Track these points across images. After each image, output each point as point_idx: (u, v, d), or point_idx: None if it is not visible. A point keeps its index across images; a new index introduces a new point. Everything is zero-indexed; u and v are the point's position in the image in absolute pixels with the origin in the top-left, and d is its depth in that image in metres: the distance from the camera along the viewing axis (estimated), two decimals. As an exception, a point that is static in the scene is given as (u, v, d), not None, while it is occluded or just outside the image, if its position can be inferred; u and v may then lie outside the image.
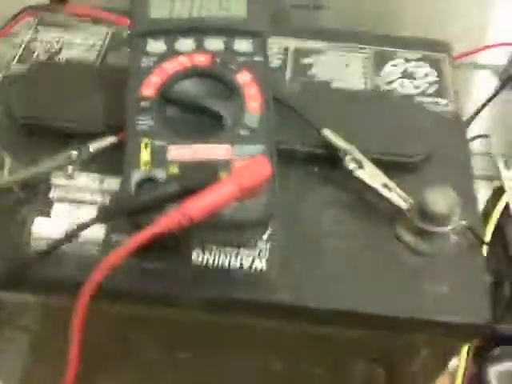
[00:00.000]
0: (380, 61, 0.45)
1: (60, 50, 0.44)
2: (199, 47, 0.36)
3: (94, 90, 0.39)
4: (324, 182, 0.37)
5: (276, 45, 0.45)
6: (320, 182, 0.37)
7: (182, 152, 0.33)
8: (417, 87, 0.43)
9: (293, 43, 0.46)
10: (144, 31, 0.36)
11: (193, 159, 0.33)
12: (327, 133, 0.37)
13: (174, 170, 0.32)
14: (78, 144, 0.37)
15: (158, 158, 0.33)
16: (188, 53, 0.36)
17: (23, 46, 0.44)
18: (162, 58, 0.35)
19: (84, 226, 0.31)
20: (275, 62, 0.44)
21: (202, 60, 0.35)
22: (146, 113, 0.34)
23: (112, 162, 0.36)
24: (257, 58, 0.36)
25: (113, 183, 0.36)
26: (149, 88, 0.34)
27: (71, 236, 0.32)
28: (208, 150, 0.33)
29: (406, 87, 0.43)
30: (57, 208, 0.36)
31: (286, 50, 0.45)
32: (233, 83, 0.35)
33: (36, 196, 0.36)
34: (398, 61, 0.45)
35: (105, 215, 0.31)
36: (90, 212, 0.35)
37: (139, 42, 0.36)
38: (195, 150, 0.33)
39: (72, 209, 0.36)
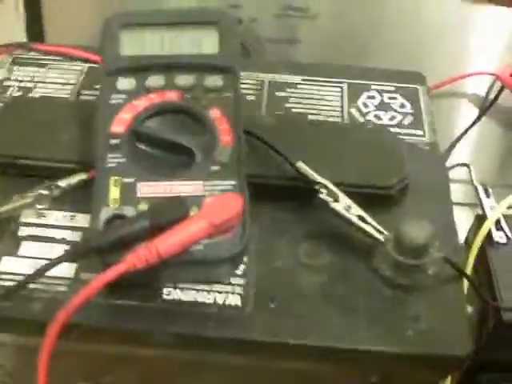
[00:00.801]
0: (355, 93, 0.45)
1: (34, 87, 0.44)
2: (170, 84, 0.36)
3: (67, 126, 0.39)
4: (299, 216, 0.37)
5: (251, 79, 0.45)
6: (295, 216, 0.37)
7: (151, 189, 0.32)
8: (392, 118, 0.43)
9: (268, 77, 0.46)
10: (114, 69, 0.36)
11: (163, 196, 0.32)
12: (301, 166, 0.37)
13: (144, 206, 0.32)
14: (49, 181, 0.36)
15: (128, 195, 0.32)
16: (158, 89, 0.35)
17: (-3, 84, 0.44)
18: (133, 94, 0.35)
19: (51, 265, 0.30)
20: (250, 96, 0.44)
21: (172, 96, 0.35)
22: (116, 150, 0.33)
23: (83, 199, 0.35)
24: (227, 94, 0.36)
25: (84, 220, 0.36)
26: (119, 125, 0.34)
27: (38, 274, 0.31)
28: (179, 186, 0.32)
29: (382, 119, 0.43)
30: (25, 246, 0.35)
31: (261, 83, 0.45)
32: (203, 118, 0.34)
33: (4, 234, 0.35)
34: (372, 93, 0.45)
35: (72, 254, 0.30)
36: (60, 250, 0.34)
37: (109, 80, 0.36)
38: (165, 186, 0.32)
39: (41, 247, 0.35)
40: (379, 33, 0.56)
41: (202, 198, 0.32)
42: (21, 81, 0.45)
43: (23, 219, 0.36)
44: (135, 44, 0.36)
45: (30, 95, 0.43)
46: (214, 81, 0.36)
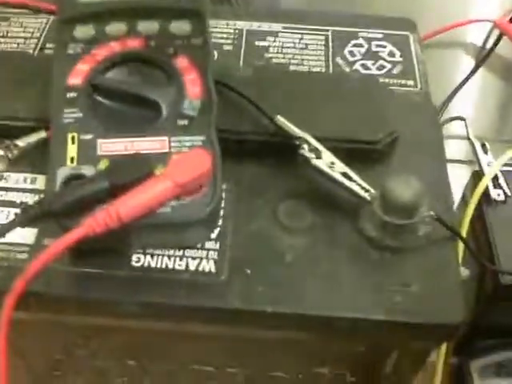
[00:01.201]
0: (340, 41, 0.42)
1: (-6, 43, 0.41)
2: (132, 30, 0.32)
3: (27, 82, 0.36)
4: (278, 174, 0.34)
5: (228, 27, 0.42)
6: (274, 174, 0.34)
7: (112, 146, 0.29)
8: (380, 68, 0.40)
9: (246, 25, 0.42)
10: (71, 16, 0.33)
11: (125, 153, 0.29)
12: (281, 120, 0.34)
13: (104, 165, 0.29)
14: (6, 141, 0.34)
15: (86, 153, 0.29)
16: (119, 37, 0.32)
17: (-45, 39, 0.41)
18: (91, 43, 0.32)
19: (3, 231, 0.28)
20: (227, 46, 0.41)
21: (134, 44, 0.32)
22: (73, 104, 0.30)
23: (44, 159, 0.32)
24: (196, 40, 0.32)
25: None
26: (76, 77, 0.31)
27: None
28: (142, 143, 0.30)
29: (370, 68, 0.40)
30: (-17, 211, 0.32)
31: (239, 32, 0.42)
32: (169, 68, 0.31)
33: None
34: (359, 41, 0.42)
35: (25, 218, 0.27)
36: (21, 215, 0.32)
37: (66, 28, 0.32)
38: (127, 143, 0.29)
39: (1, 211, 0.32)
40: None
41: (168, 155, 0.29)
42: (-20, 36, 0.41)
43: (-21, 182, 0.33)
44: (94, -12, 0.33)
45: (-10, 51, 0.40)
46: (181, 26, 0.33)
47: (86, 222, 0.26)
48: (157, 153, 0.29)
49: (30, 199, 0.33)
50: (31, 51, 0.40)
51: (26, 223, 0.27)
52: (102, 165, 0.29)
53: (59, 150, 0.29)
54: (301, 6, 0.52)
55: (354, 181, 0.32)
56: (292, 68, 0.40)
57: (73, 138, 0.30)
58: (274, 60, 0.40)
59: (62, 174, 0.29)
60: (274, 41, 0.41)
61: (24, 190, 0.33)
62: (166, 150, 0.29)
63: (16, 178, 0.33)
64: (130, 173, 0.28)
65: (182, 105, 0.30)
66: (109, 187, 0.27)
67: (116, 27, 0.32)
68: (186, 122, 0.30)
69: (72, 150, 0.29)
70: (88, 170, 0.29)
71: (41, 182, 0.33)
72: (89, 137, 0.30)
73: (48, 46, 0.40)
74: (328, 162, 0.32)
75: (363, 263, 0.31)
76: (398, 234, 0.31)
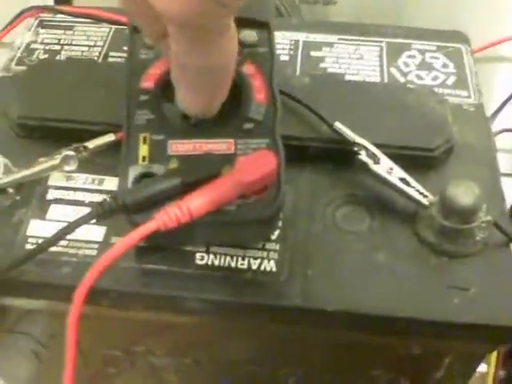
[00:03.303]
0: (394, 52, 0.42)
1: (61, 50, 0.43)
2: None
3: (93, 87, 0.37)
4: (337, 178, 0.34)
5: (284, 38, 0.43)
6: (333, 179, 0.34)
7: (182, 146, 0.31)
8: (435, 78, 0.41)
9: (302, 36, 0.43)
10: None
11: (193, 153, 0.30)
12: (339, 126, 0.35)
13: (174, 164, 0.30)
14: (76, 143, 0.35)
15: (157, 152, 0.31)
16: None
17: (23, 47, 0.43)
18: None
19: (76, 225, 0.29)
20: (284, 56, 0.42)
21: (203, 50, 0.33)
22: (145, 106, 0.32)
23: (112, 161, 0.34)
24: (262, 49, 0.34)
25: (113, 184, 0.34)
26: (148, 80, 0.33)
27: (63, 234, 0.29)
28: (210, 144, 0.31)
29: (424, 78, 0.41)
30: (53, 210, 0.34)
31: (296, 43, 0.43)
32: (237, 74, 0.32)
33: (32, 198, 0.34)
34: (413, 52, 0.43)
35: (99, 213, 0.28)
36: (89, 214, 0.33)
37: (138, 36, 0.34)
38: (196, 144, 0.31)
39: (70, 210, 0.34)
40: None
41: (235, 157, 0.30)
42: (47, 44, 0.43)
43: (51, 182, 0.35)
44: (164, -3, 0.35)
45: (57, 58, 0.42)
46: (249, 35, 0.34)
47: (158, 216, 0.28)
48: (223, 154, 0.30)
49: (97, 199, 0.34)
50: (95, 59, 0.42)
51: (102, 216, 0.29)
52: (172, 164, 0.30)
53: (131, 149, 0.31)
54: (349, 20, 0.53)
55: (412, 186, 0.33)
56: (347, 77, 0.41)
57: (144, 138, 0.31)
58: (330, 70, 0.41)
59: (134, 171, 0.30)
60: (330, 51, 0.42)
61: (91, 191, 0.34)
62: (232, 152, 0.31)
63: (84, 179, 0.35)
64: (200, 172, 0.29)
65: (248, 109, 0.32)
66: (179, 185, 0.29)
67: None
68: (251, 125, 0.31)
69: (144, 150, 0.31)
70: (158, 169, 0.30)
71: (107, 183, 0.35)
72: (160, 137, 0.31)
73: (111, 54, 0.42)
74: (386, 168, 0.33)
75: (422, 267, 0.31)
76: (456, 239, 0.32)
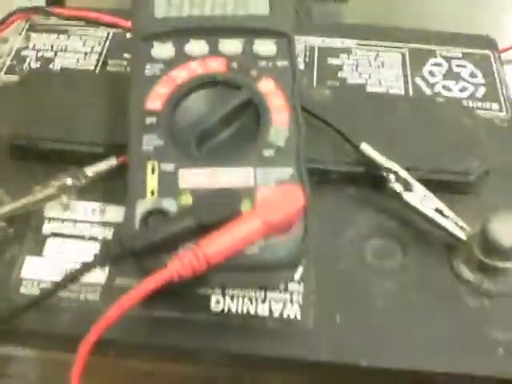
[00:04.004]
0: (418, 60, 0.39)
1: (54, 57, 0.39)
2: (213, 50, 0.30)
3: (92, 102, 0.34)
4: (364, 207, 0.31)
5: (299, 44, 0.40)
6: (360, 207, 0.31)
7: (195, 177, 0.27)
8: (463, 90, 0.38)
9: (317, 41, 0.40)
10: (148, 33, 0.30)
11: (208, 186, 0.27)
12: (366, 148, 0.31)
13: (187, 199, 0.27)
14: (75, 168, 0.32)
15: (168, 184, 0.27)
16: (200, 57, 0.30)
17: (13, 53, 0.39)
18: (170, 64, 0.30)
19: (80, 272, 0.26)
20: (300, 64, 0.38)
21: (216, 66, 0.30)
22: (152, 130, 0.28)
23: (114, 188, 0.31)
24: (281, 62, 0.30)
25: (115, 214, 0.31)
26: (155, 100, 0.29)
27: (63, 283, 0.26)
28: (226, 174, 0.27)
29: (451, 90, 0.38)
30: (51, 245, 0.30)
31: (311, 49, 0.39)
32: (253, 92, 0.29)
33: (26, 232, 0.31)
34: (438, 60, 0.39)
35: (104, 258, 0.25)
36: (90, 249, 0.30)
37: (143, 46, 0.30)
38: (211, 174, 0.27)
39: (68, 245, 0.30)
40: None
41: (255, 190, 0.27)
42: (39, 50, 0.39)
43: (47, 213, 0.31)
44: (172, 4, 0.31)
45: (50, 66, 0.38)
46: (266, 46, 0.30)
47: (171, 265, 0.24)
48: (242, 186, 0.27)
49: (100, 233, 0.30)
50: (92, 68, 0.38)
51: (106, 263, 0.25)
52: (184, 199, 0.27)
53: (138, 180, 0.27)
54: (365, 21, 0.49)
55: (448, 217, 0.30)
56: (369, 89, 0.37)
57: (153, 168, 0.27)
58: (350, 80, 0.38)
59: (142, 208, 0.27)
60: (348, 58, 0.39)
61: (92, 223, 0.31)
62: (252, 184, 0.27)
63: (84, 209, 0.31)
64: (217, 211, 0.25)
65: (267, 133, 0.28)
66: (194, 226, 0.25)
67: (197, 46, 0.30)
68: (272, 152, 0.28)
69: (152, 181, 0.27)
70: (169, 204, 0.27)
71: (110, 213, 0.31)
72: (170, 167, 0.27)
73: (110, 61, 0.39)
74: (419, 196, 0.30)
75: (461, 310, 0.28)
76: (499, 278, 0.29)
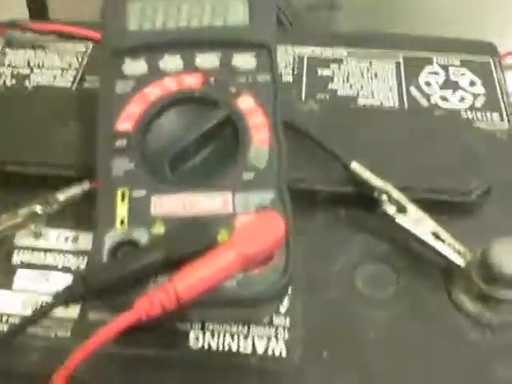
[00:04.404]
0: (414, 69, 0.37)
1: (30, 74, 0.37)
2: (189, 65, 0.28)
3: (66, 122, 0.32)
4: (355, 230, 0.29)
5: (287, 54, 0.37)
6: (350, 230, 0.29)
7: (168, 204, 0.25)
8: (461, 100, 0.35)
9: (307, 51, 0.38)
10: (120, 48, 0.28)
11: (182, 214, 0.25)
12: (356, 167, 0.29)
13: (159, 228, 0.25)
14: (46, 192, 0.30)
15: (139, 212, 0.25)
16: (175, 73, 0.28)
17: (-14, 70, 0.37)
18: (143, 80, 0.28)
19: (43, 312, 0.24)
20: (287, 76, 0.36)
21: (192, 82, 0.28)
22: (123, 153, 0.26)
23: (86, 213, 0.28)
24: (262, 76, 0.28)
25: (88, 242, 0.29)
26: (126, 121, 0.27)
27: (24, 325, 0.24)
28: (202, 200, 0.25)
29: (449, 100, 0.35)
30: (21, 276, 0.28)
31: (300, 60, 0.37)
32: (232, 110, 0.27)
33: (-5, 260, 0.29)
34: (435, 68, 0.37)
35: (69, 297, 0.23)
36: (62, 280, 0.28)
37: (114, 62, 0.28)
38: (185, 200, 0.25)
39: (39, 277, 0.28)
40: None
41: (233, 217, 0.25)
42: (15, 67, 0.37)
43: (17, 241, 0.29)
44: (145, 16, 0.29)
45: (26, 84, 0.36)
46: (245, 60, 0.28)
47: (139, 304, 0.22)
48: (219, 213, 0.25)
49: (72, 262, 0.28)
50: (69, 84, 0.36)
51: (70, 303, 0.23)
52: (157, 228, 0.25)
53: (107, 209, 0.25)
54: (360, 28, 0.47)
55: (446, 242, 0.27)
56: (361, 101, 0.35)
57: (123, 195, 0.25)
58: (340, 92, 0.36)
59: (111, 239, 0.24)
60: (339, 69, 0.37)
61: (64, 252, 0.29)
62: (230, 211, 0.25)
63: (56, 237, 0.29)
64: (190, 242, 0.23)
65: (247, 154, 0.26)
66: (165, 260, 0.23)
67: (171, 61, 0.28)
68: (251, 175, 0.26)
69: (122, 210, 0.25)
70: (140, 234, 0.25)
71: (83, 240, 0.29)
72: (141, 193, 0.25)
73: (88, 78, 0.37)
74: (414, 219, 0.28)
75: (460, 344, 0.26)
76: (502, 309, 0.26)
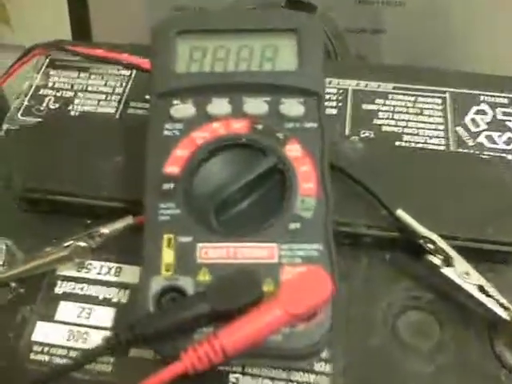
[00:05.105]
0: (460, 106, 0.36)
1: (74, 97, 0.37)
2: (236, 110, 0.28)
3: (110, 152, 0.32)
4: (399, 277, 0.29)
5: (331, 86, 0.37)
6: (393, 277, 0.29)
7: (214, 252, 0.25)
8: (508, 142, 0.35)
9: (352, 84, 0.37)
10: (168, 90, 0.28)
11: (228, 262, 0.25)
12: (402, 215, 0.29)
13: (205, 276, 0.25)
14: (90, 223, 0.30)
15: (184, 259, 0.25)
16: (223, 117, 0.28)
17: (30, 93, 0.38)
18: (191, 124, 0.28)
19: (89, 358, 0.24)
20: (330, 109, 0.36)
21: (239, 126, 0.28)
22: (170, 198, 0.26)
23: (131, 246, 0.28)
24: (310, 124, 0.28)
25: (132, 275, 0.29)
26: (174, 164, 0.27)
27: (74, 368, 0.24)
28: (247, 249, 0.25)
29: (496, 142, 0.35)
30: (63, 308, 0.29)
31: (345, 92, 0.37)
32: (279, 157, 0.27)
33: (38, 292, 0.29)
34: (482, 106, 0.36)
35: (116, 344, 0.23)
36: (105, 313, 0.28)
37: (162, 104, 0.28)
38: (231, 249, 0.25)
39: (82, 310, 0.29)
40: (480, 19, 0.46)
41: (278, 267, 0.25)
42: (58, 89, 0.38)
43: (60, 271, 0.30)
44: (194, 58, 0.29)
45: (69, 109, 0.37)
46: (293, 106, 0.28)
47: (186, 356, 0.22)
48: (264, 263, 0.25)
49: (114, 295, 0.29)
50: (113, 110, 0.36)
51: (117, 349, 0.23)
52: (202, 275, 0.25)
53: (154, 254, 0.25)
54: (402, 51, 0.47)
55: (492, 296, 0.27)
56: (406, 138, 0.35)
57: (169, 241, 0.26)
58: (385, 128, 0.35)
59: (157, 285, 0.25)
60: (384, 104, 0.36)
61: (107, 284, 0.29)
62: (275, 261, 0.25)
63: (99, 268, 0.30)
64: (236, 295, 0.23)
65: (294, 204, 0.26)
66: (211, 311, 0.23)
67: (219, 105, 0.28)
68: (298, 225, 0.26)
69: (168, 256, 0.25)
70: (186, 282, 0.25)
71: (126, 274, 0.30)
72: (187, 239, 0.25)
73: (132, 104, 0.37)
74: (459, 271, 0.28)
75: (504, 401, 0.26)
76: (547, 367, 0.26)
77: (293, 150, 0.27)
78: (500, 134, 0.35)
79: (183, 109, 0.28)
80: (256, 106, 0.28)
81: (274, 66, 0.28)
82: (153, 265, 0.25)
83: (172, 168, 0.27)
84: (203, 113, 0.28)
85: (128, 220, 0.29)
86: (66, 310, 0.29)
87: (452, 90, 0.37)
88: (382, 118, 0.36)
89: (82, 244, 0.29)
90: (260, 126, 0.27)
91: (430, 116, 0.36)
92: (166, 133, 0.28)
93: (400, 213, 0.29)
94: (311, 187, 0.26)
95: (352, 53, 0.48)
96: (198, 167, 0.27)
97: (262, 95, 0.28)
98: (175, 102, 0.28)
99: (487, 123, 0.35)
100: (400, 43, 0.47)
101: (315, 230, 0.26)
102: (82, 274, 0.30)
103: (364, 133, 0.35)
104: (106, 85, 0.38)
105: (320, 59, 0.29)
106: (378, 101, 0.37)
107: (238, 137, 0.27)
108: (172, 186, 0.27)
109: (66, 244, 0.29)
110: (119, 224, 0.29)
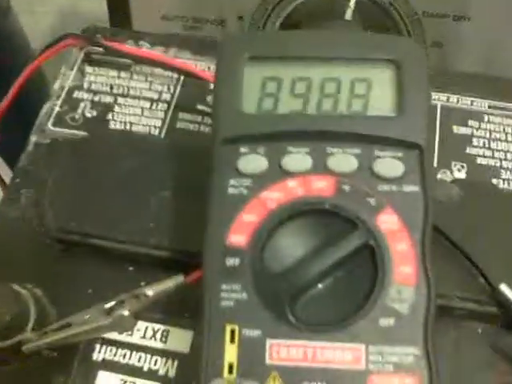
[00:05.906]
0: None
1: (114, 104, 0.32)
2: (318, 165, 0.23)
3: (157, 188, 0.27)
4: (492, 349, 0.24)
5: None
6: (486, 350, 0.25)
7: (287, 351, 0.21)
8: None
9: (441, 99, 0.31)
10: (234, 135, 0.23)
11: (303, 366, 0.20)
12: (506, 290, 0.24)
13: (274, 382, 0.20)
14: (132, 270, 0.27)
15: (251, 358, 0.21)
16: (301, 174, 0.23)
17: (63, 95, 0.32)
18: (262, 181, 0.23)
19: None
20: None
21: (321, 187, 0.22)
22: (235, 277, 0.21)
23: (180, 305, 0.25)
24: (410, 187, 0.22)
25: (179, 341, 0.25)
26: (240, 233, 0.22)
27: None
28: (327, 351, 0.21)
29: None
30: (102, 379, 0.25)
31: (433, 110, 0.31)
32: (370, 231, 0.22)
33: (74, 358, 0.25)
34: None
35: None
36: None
37: (226, 152, 0.23)
38: (309, 350, 0.21)
39: (124, 383, 0.25)
40: None
41: (365, 375, 0.20)
42: (96, 92, 0.32)
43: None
44: (266, 94, 0.23)
45: (109, 117, 0.31)
46: (390, 163, 0.22)
47: None
48: (348, 370, 0.20)
49: (159, 365, 0.25)
50: (160, 123, 0.31)
51: None
52: (271, 381, 0.20)
53: (214, 350, 0.21)
54: (487, 40, 0.40)
55: None
56: (504, 176, 0.29)
57: (232, 333, 0.21)
58: (481, 160, 0.30)
59: (217, 391, 0.20)
60: (479, 127, 0.31)
61: (152, 351, 0.25)
62: (362, 367, 0.20)
63: (143, 330, 0.26)
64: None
65: (386, 293, 0.21)
66: None
67: (297, 158, 0.23)
68: (391, 321, 0.21)
69: (231, 353, 0.21)
70: (252, 388, 0.20)
71: (174, 339, 0.26)
72: (255, 333, 0.21)
73: (181, 115, 0.31)
74: None
75: None
76: None
77: (388, 222, 0.22)
78: None
79: (253, 161, 0.23)
80: (343, 160, 0.22)
81: (365, 108, 0.23)
82: (213, 364, 0.21)
83: (237, 237, 0.22)
84: (277, 167, 0.22)
85: (179, 279, 0.25)
86: (104, 382, 0.25)
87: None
88: (478, 147, 0.30)
89: (126, 313, 0.24)
90: (347, 188, 0.22)
91: (535, 146, 0.30)
92: (230, 191, 0.22)
93: (504, 288, 0.24)
94: (409, 272, 0.21)
95: (428, 39, 0.41)
96: (268, 238, 0.22)
97: (351, 147, 0.22)
98: (243, 150, 0.23)
99: None
100: (485, 33, 0.40)
101: (412, 329, 0.21)
102: (124, 337, 0.26)
103: (456, 166, 0.29)
104: (150, 88, 0.32)
105: (425, 102, 0.23)
106: (471, 123, 0.31)
107: (320, 201, 0.22)
108: (237, 261, 0.22)
109: (106, 306, 0.25)
110: (168, 283, 0.25)
